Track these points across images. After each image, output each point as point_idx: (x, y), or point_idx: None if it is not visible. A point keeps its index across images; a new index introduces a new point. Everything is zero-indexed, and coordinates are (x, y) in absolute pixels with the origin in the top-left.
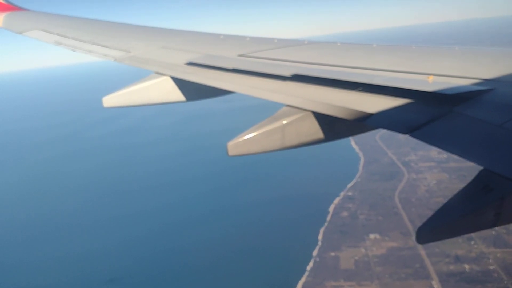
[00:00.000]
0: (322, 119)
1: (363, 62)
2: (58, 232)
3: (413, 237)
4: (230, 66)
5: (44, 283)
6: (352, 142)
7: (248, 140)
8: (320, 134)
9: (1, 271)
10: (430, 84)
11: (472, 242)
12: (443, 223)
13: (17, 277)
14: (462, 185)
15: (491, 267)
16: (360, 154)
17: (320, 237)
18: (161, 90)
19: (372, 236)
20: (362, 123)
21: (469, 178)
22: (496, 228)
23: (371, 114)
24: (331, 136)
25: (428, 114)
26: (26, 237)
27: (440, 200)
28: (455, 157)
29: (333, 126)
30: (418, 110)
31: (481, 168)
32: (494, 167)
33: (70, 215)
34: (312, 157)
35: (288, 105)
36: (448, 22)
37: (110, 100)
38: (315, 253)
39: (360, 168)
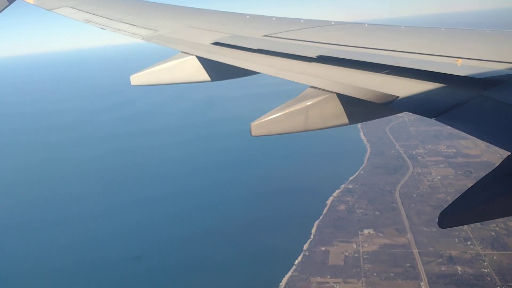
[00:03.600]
0: (346, 101)
1: (390, 44)
2: (78, 213)
3: (407, 235)
4: (255, 47)
5: (74, 261)
6: (361, 133)
7: (271, 120)
8: (343, 116)
9: (28, 251)
10: (458, 67)
11: (469, 243)
12: (466, 208)
13: (47, 256)
14: (467, 181)
15: (485, 270)
16: (367, 146)
17: (313, 230)
18: (187, 69)
19: (366, 231)
20: (387, 106)
21: (476, 175)
22: (497, 228)
23: (397, 97)
24: (355, 118)
25: (455, 98)
26: (51, 218)
27: (442, 197)
28: (464, 152)
29: (358, 109)
30: (446, 94)
31: (508, 153)
32: None
33: (88, 198)
34: (318, 147)
35: (312, 87)
36: (483, 10)
37: (138, 79)
38: (305, 246)
39: (365, 160)
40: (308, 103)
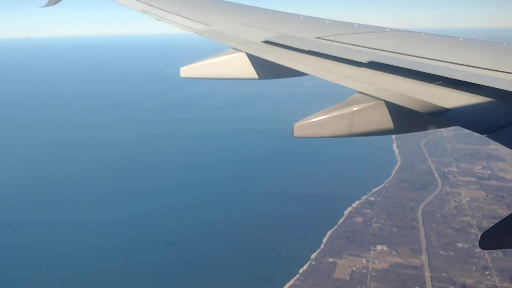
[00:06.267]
0: (394, 109)
1: (445, 55)
2: (110, 196)
3: (422, 256)
4: (306, 48)
5: (108, 244)
6: (394, 144)
7: (315, 122)
8: (390, 125)
9: (61, 230)
10: None
11: (487, 272)
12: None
13: (79, 237)
14: (497, 207)
15: None
16: (398, 158)
17: (324, 239)
18: (236, 65)
19: (379, 247)
20: (436, 118)
21: (508, 201)
22: None
23: (448, 110)
24: (401, 128)
25: (510, 116)
26: (82, 198)
27: (467, 220)
28: (499, 174)
29: (405, 119)
30: (501, 111)
31: None
32: None
33: (115, 181)
34: (347, 154)
35: (360, 92)
36: None
37: (187, 71)
38: (313, 256)
39: (393, 173)
40: (355, 109)
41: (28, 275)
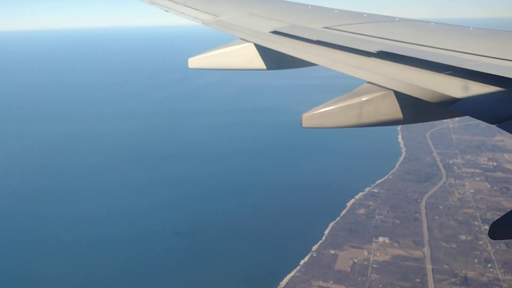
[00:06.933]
0: (403, 99)
1: (455, 44)
2: (118, 186)
3: (424, 248)
4: (314, 38)
5: (118, 233)
6: (399, 135)
7: (324, 113)
8: (399, 115)
9: (71, 218)
10: None
11: (489, 265)
12: None
13: (90, 226)
14: (501, 198)
15: None
16: (403, 150)
17: (326, 231)
18: (244, 56)
19: (381, 239)
20: (446, 108)
21: None
22: None
23: (458, 100)
24: (410, 118)
25: None
26: (89, 187)
27: (470, 212)
28: (505, 166)
29: (414, 109)
30: (511, 101)
31: None
32: None
33: (128, 172)
34: (351, 146)
35: (369, 82)
36: None
37: (195, 62)
38: (315, 247)
39: (397, 164)
40: (363, 99)
41: (38, 263)
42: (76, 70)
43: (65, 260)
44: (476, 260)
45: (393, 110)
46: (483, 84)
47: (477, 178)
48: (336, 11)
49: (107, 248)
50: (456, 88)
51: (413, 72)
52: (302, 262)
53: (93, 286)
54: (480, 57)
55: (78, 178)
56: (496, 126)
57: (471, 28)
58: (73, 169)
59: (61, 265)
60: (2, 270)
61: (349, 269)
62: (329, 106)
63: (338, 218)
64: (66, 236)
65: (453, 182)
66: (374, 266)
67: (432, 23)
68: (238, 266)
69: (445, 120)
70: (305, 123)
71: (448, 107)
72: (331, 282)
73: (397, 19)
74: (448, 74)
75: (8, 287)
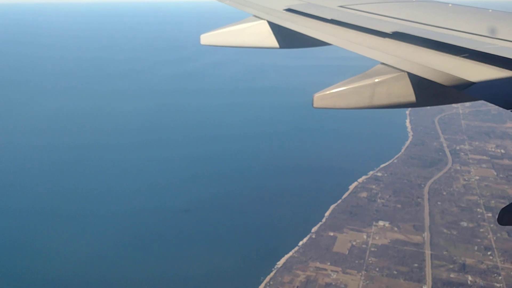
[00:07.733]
0: (417, 82)
1: (473, 27)
2: (128, 164)
3: (424, 234)
4: (328, 17)
5: (127, 209)
6: (407, 119)
7: (335, 93)
8: (411, 98)
9: (81, 193)
10: None
11: (489, 253)
12: None
13: (101, 201)
14: (507, 186)
15: (498, 285)
16: (410, 134)
17: (327, 213)
18: (257, 34)
19: (381, 223)
20: (460, 91)
21: None
22: None
23: (472, 83)
24: (423, 101)
25: None
26: (102, 165)
27: (474, 199)
28: None
29: (428, 91)
30: None
31: None
32: None
33: (136, 150)
34: (358, 128)
35: (383, 63)
36: None
37: (207, 38)
38: (314, 229)
39: (403, 149)
40: (377, 80)
41: (52, 235)
42: (86, 45)
43: (78, 233)
44: (476, 247)
45: (406, 92)
46: (500, 69)
47: (484, 165)
48: None
49: (117, 222)
50: (471, 71)
51: (429, 54)
52: (300, 243)
53: (104, 257)
54: (498, 40)
55: (88, 154)
56: (511, 111)
57: (490, 10)
58: (84, 145)
59: (73, 238)
60: (16, 240)
61: (347, 252)
62: (341, 87)
63: (339, 201)
64: (77, 210)
65: (458, 168)
66: (372, 249)
67: (450, 5)
68: (239, 243)
69: (455, 105)
70: (316, 103)
71: (462, 91)
72: (328, 263)
73: None
74: (464, 57)
75: (22, 260)
